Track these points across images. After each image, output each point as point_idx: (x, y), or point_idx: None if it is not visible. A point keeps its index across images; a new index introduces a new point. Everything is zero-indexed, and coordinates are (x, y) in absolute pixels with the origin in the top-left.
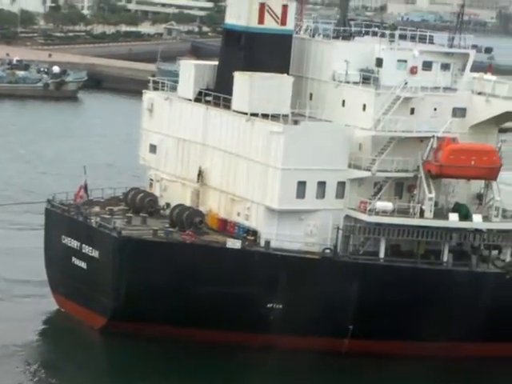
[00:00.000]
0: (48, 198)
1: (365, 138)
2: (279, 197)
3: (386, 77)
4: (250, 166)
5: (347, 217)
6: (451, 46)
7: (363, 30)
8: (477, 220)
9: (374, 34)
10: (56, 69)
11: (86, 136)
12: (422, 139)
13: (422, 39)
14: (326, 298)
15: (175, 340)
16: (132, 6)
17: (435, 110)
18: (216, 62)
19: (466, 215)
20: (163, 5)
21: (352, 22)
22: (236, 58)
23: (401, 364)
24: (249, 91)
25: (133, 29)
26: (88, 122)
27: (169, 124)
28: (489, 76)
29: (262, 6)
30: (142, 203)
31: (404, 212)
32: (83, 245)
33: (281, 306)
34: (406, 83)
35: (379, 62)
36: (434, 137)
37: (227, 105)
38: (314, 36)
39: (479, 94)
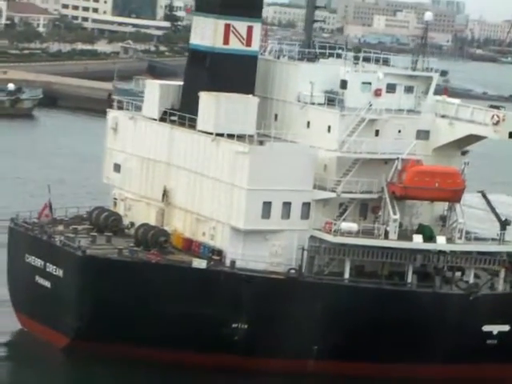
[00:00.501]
0: (11, 216)
1: (330, 159)
2: (245, 217)
3: (350, 98)
4: (215, 186)
5: (312, 237)
6: (414, 69)
7: (327, 52)
8: (440, 242)
9: (339, 55)
10: (11, 86)
11: (43, 154)
12: (386, 161)
13: (385, 62)
14: (291, 318)
15: (138, 360)
16: (88, 25)
17: (399, 132)
18: (181, 82)
19: (430, 237)
20: (120, 23)
21: (317, 44)
22: (201, 78)
23: None
24: (215, 111)
25: (89, 47)
26: (44, 140)
27: (133, 143)
28: (452, 99)
29: (227, 26)
30: (106, 222)
31: (369, 233)
32: (47, 263)
33: (246, 326)
34: (370, 105)
35: (344, 84)
36: (398, 159)
37: (192, 124)
38: (278, 57)
39: (443, 116)
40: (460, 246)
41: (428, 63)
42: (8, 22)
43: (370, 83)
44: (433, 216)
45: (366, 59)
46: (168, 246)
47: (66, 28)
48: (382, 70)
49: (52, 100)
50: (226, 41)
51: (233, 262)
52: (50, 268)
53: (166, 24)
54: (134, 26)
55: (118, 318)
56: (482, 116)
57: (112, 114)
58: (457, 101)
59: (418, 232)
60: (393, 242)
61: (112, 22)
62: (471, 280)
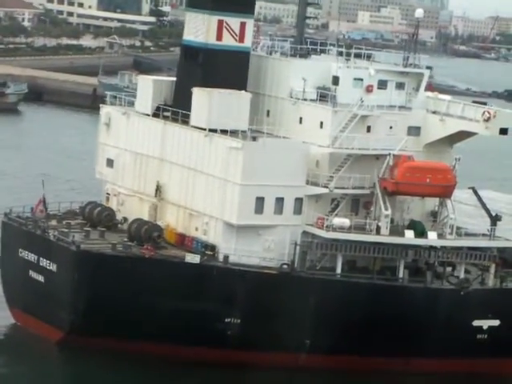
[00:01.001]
0: (5, 211)
1: (322, 155)
2: (238, 212)
3: (342, 95)
4: (208, 181)
5: (305, 232)
6: (406, 66)
7: (319, 48)
8: (432, 237)
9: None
10: None
11: (28, 149)
12: (378, 157)
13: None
14: (284, 312)
15: (132, 354)
16: (73, 19)
17: (391, 128)
18: (173, 78)
19: (421, 232)
20: (105, 18)
21: (308, 40)
22: (194, 73)
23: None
24: (208, 107)
25: (74, 42)
26: (29, 135)
27: (126, 138)
28: (443, 95)
29: (221, 22)
30: (99, 217)
31: (360, 228)
32: (41, 258)
33: (239, 321)
34: (362, 101)
35: (336, 80)
36: (390, 154)
37: (185, 120)
38: (271, 53)
39: (433, 112)
40: (451, 241)
41: (419, 60)
42: None
43: (361, 79)
44: (424, 212)
45: (357, 55)
46: (161, 241)
47: (51, 23)
48: (374, 67)
49: (37, 95)
50: (219, 37)
51: (226, 257)
52: (44, 262)
53: (152, 19)
54: (120, 20)
55: (112, 313)
56: (472, 112)
57: (105, 109)
58: (448, 97)
59: (409, 227)
60: (384, 238)
61: (97, 17)
62: (462, 275)
